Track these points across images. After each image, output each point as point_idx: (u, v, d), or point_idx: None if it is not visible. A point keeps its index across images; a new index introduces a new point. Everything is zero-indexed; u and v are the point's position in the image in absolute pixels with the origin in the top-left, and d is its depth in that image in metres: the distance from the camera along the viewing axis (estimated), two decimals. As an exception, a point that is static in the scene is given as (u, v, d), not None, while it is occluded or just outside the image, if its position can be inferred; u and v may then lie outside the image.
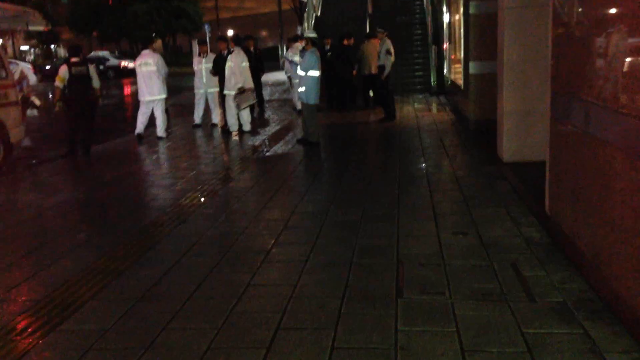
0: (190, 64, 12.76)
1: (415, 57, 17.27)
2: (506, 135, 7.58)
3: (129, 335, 3.50)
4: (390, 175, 7.48)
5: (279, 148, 9.70)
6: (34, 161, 9.60)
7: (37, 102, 9.87)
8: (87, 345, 3.39)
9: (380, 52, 13.08)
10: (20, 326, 3.67)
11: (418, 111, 13.49)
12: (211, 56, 12.34)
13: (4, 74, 9.12)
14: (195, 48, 13.45)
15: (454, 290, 3.91)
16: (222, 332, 3.49)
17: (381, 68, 13.08)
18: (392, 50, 13.43)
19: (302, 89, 9.60)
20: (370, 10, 17.70)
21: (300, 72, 9.68)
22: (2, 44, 8.72)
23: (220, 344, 3.35)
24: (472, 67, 10.22)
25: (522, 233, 5.00)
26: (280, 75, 17.59)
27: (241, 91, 10.71)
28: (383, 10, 17.50)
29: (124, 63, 36.21)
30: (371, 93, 13.75)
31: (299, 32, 18.11)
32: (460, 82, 11.96)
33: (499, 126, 7.80)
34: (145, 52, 11.05)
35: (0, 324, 3.70)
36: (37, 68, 25.92)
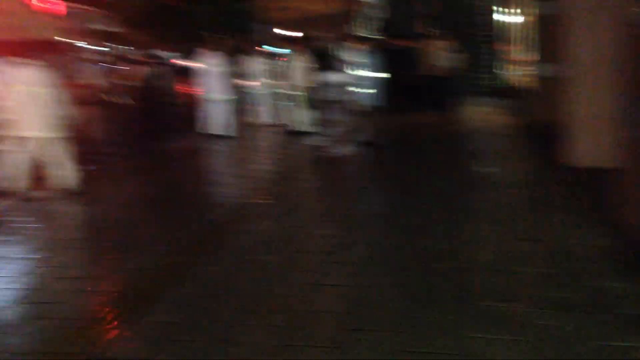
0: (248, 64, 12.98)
1: (478, 58, 16.98)
2: (574, 140, 7.39)
3: (203, 329, 3.61)
4: (453, 178, 7.42)
5: (341, 149, 9.75)
6: (106, 158, 9.94)
7: (118, 100, 10.27)
8: (164, 337, 3.52)
9: (443, 53, 12.95)
10: (102, 317, 3.84)
11: (481, 114, 13.29)
12: (266, 56, 12.50)
13: (76, 74, 9.51)
14: (254, 49, 13.70)
15: (525, 299, 3.86)
16: (291, 330, 3.56)
17: (445, 69, 12.95)
18: (458, 50, 13.25)
19: (364, 90, 9.62)
20: (434, 11, 17.53)
21: (362, 73, 9.70)
22: (75, 44, 9.13)
23: (289, 342, 3.42)
24: (539, 69, 10.00)
25: (594, 241, 4.87)
26: (340, 76, 17.63)
27: (309, 90, 10.83)
28: (447, 11, 17.30)
29: (186, 63, 37.13)
30: (433, 95, 13.61)
31: (359, 33, 18.09)
32: (526, 84, 11.72)
33: (567, 130, 7.61)
34: (210, 52, 11.31)
35: (79, 315, 3.88)
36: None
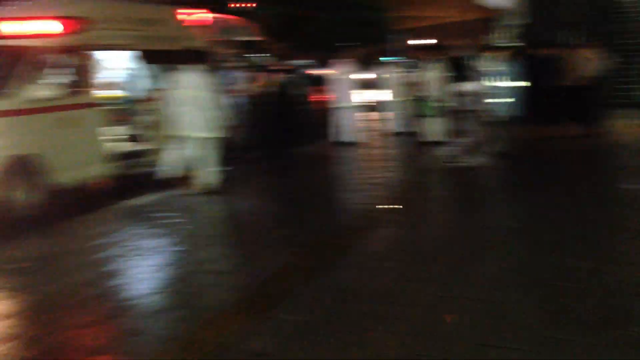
0: (379, 73, 13.06)
1: (629, 68, 15.81)
2: None
3: (329, 330, 3.66)
4: (595, 194, 6.95)
5: (473, 159, 9.49)
6: (245, 160, 10.35)
7: (258, 106, 10.77)
8: (293, 334, 3.62)
9: (589, 62, 12.20)
10: (236, 310, 4.02)
11: (630, 127, 12.34)
12: (398, 65, 12.48)
13: (224, 81, 10.01)
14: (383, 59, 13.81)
15: (678, 327, 3.52)
16: (415, 340, 3.50)
17: (591, 79, 12.19)
18: (606, 59, 12.42)
19: (501, 99, 9.31)
20: (580, 17, 16.60)
21: (500, 83, 9.40)
22: (221, 53, 9.67)
23: (412, 352, 3.37)
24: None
25: None
26: (475, 85, 17.22)
27: (442, 99, 10.72)
28: (595, 18, 16.31)
29: (318, 71, 38.10)
30: (577, 106, 12.84)
31: (496, 41, 17.57)
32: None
33: None
34: (339, 61, 11.54)
35: (215, 307, 4.09)
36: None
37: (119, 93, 8.85)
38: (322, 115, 12.16)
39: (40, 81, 6.74)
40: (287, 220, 6.45)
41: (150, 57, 8.48)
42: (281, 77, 10.41)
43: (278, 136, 10.36)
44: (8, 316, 3.99)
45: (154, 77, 8.48)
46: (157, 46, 8.58)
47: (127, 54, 8.59)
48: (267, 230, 5.97)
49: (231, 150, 9.37)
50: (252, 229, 6.05)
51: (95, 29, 7.56)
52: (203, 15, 10.03)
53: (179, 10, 9.50)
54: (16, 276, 4.70)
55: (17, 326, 3.84)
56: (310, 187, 8.13)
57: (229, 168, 7.95)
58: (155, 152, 8.22)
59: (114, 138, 8.06)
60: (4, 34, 7.35)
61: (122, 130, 8.51)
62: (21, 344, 3.59)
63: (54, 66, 6.99)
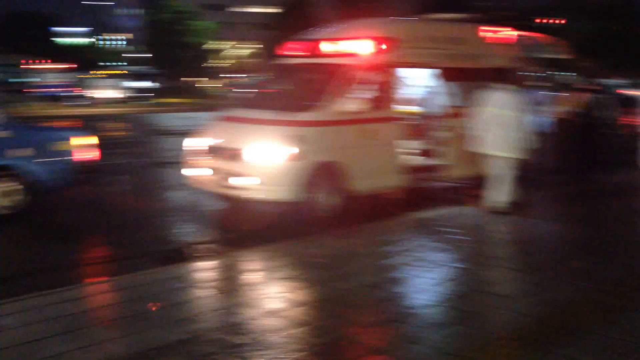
0: None
1: None
2: None
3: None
4: None
5: None
6: (539, 182, 9.78)
7: (560, 127, 10.17)
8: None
9: None
10: (508, 337, 3.82)
11: None
12: None
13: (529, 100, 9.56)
14: None
15: None
16: None
17: None
18: None
19: None
20: None
21: None
22: (525, 71, 9.22)
23: None
24: None
25: None
26: None
27: None
28: None
29: (632, 91, 34.14)
30: None
31: None
32: None
33: None
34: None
35: (493, 331, 3.93)
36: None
37: (416, 109, 9.16)
38: (633, 140, 10.91)
39: (349, 95, 7.34)
40: (583, 250, 5.90)
41: (450, 74, 8.59)
42: (589, 97, 9.62)
43: (581, 161, 9.57)
44: (303, 304, 4.42)
45: (452, 95, 8.56)
46: (460, 64, 8.65)
47: (426, 72, 8.84)
48: (559, 259, 5.54)
49: (529, 172, 8.97)
50: (541, 255, 5.69)
51: (403, 47, 7.96)
52: (508, 33, 9.80)
53: (484, 28, 9.44)
54: (312, 269, 5.18)
55: (309, 314, 4.23)
56: (613, 218, 7.32)
57: (524, 190, 7.60)
58: (447, 167, 8.30)
59: (409, 151, 8.36)
60: (322, 53, 8.20)
61: (417, 145, 8.77)
62: (311, 330, 3.94)
63: (363, 82, 7.55)
